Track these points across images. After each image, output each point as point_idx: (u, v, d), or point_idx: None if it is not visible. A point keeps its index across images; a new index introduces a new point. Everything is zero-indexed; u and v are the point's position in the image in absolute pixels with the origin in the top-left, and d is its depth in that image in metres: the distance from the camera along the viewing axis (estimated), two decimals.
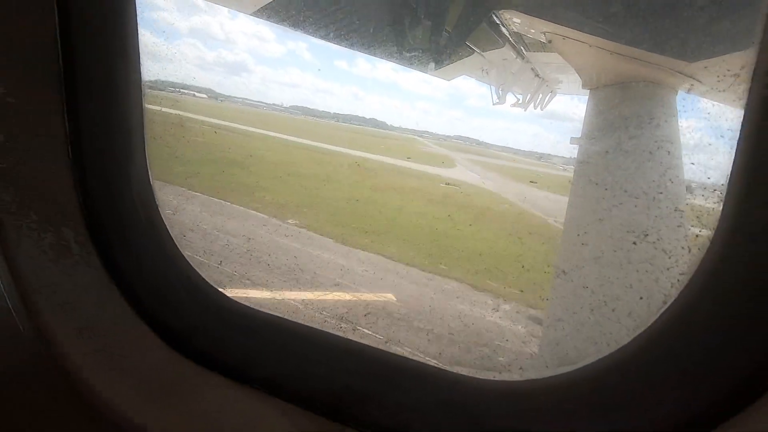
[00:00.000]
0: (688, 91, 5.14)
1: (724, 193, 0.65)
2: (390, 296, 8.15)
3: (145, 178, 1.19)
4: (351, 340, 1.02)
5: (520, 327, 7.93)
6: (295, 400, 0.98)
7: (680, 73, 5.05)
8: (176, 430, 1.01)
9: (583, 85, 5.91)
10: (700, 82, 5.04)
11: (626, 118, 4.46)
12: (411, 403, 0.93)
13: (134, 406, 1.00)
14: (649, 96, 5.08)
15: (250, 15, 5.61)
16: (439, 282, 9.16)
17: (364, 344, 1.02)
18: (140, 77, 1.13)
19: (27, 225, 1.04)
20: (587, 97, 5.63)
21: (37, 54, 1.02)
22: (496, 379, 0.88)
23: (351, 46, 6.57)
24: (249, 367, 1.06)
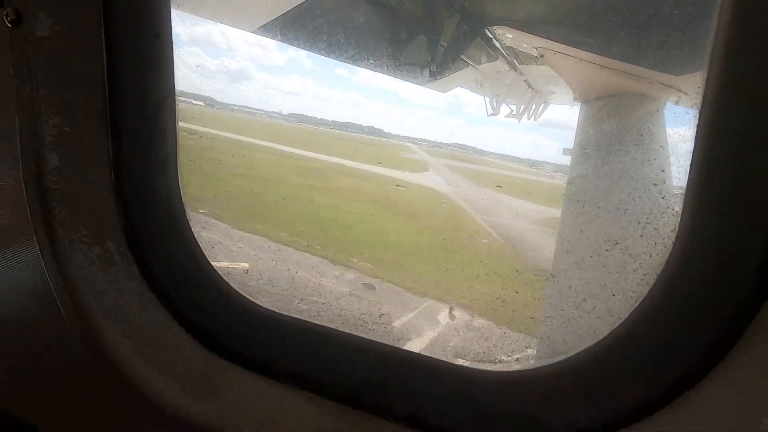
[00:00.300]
0: (677, 102, 5.32)
1: (682, 202, 0.79)
2: (244, 265, 9.36)
3: (177, 197, 1.32)
4: (366, 338, 1.15)
5: (345, 288, 9.18)
6: (319, 392, 1.11)
7: (668, 86, 5.25)
8: (210, 420, 1.12)
9: (574, 98, 6.12)
10: (686, 94, 5.24)
11: (616, 131, 4.66)
12: (421, 392, 1.06)
13: (172, 399, 1.12)
14: (639, 108, 5.27)
15: (252, 32, 5.78)
16: (304, 258, 10.34)
17: (378, 342, 1.15)
18: (175, 111, 1.27)
19: (78, 239, 1.17)
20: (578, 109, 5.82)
21: (88, 89, 1.15)
22: (495, 369, 1.01)
23: (349, 60, 6.76)
24: (275, 363, 1.18)
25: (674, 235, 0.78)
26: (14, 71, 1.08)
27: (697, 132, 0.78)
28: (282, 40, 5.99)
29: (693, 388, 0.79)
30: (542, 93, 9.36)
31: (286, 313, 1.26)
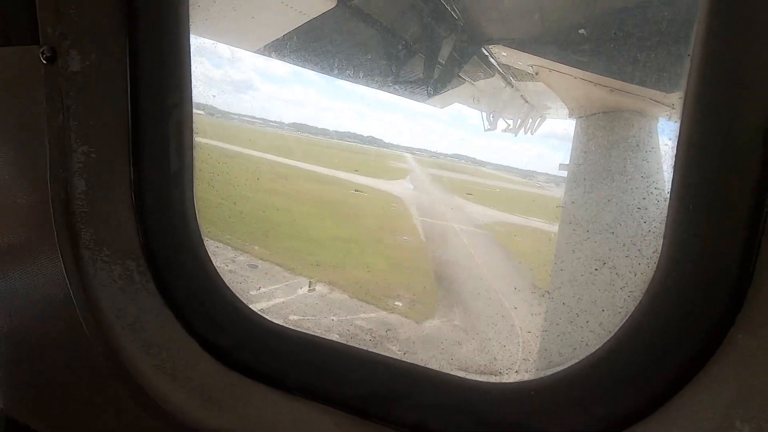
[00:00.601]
0: (669, 118, 5.44)
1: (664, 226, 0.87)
2: None
3: (192, 218, 1.40)
4: (374, 352, 1.22)
5: (229, 266, 9.75)
6: (329, 403, 1.17)
7: (659, 102, 5.39)
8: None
9: (569, 114, 6.26)
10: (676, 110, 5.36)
11: (609, 147, 4.79)
12: (426, 403, 1.12)
13: (191, 412, 1.18)
14: (631, 124, 5.40)
15: (254, 52, 5.95)
16: (211, 243, 11.32)
17: (385, 356, 1.21)
18: (192, 139, 1.36)
19: (101, 258, 1.24)
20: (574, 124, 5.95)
21: (114, 119, 1.24)
22: (495, 381, 1.08)
23: (348, 78, 6.92)
24: (287, 377, 1.24)
25: (656, 256, 0.86)
26: (47, 104, 1.16)
27: (675, 163, 0.86)
28: (283, 60, 6.15)
29: (676, 395, 0.86)
30: (538, 108, 9.53)
31: (296, 329, 1.33)
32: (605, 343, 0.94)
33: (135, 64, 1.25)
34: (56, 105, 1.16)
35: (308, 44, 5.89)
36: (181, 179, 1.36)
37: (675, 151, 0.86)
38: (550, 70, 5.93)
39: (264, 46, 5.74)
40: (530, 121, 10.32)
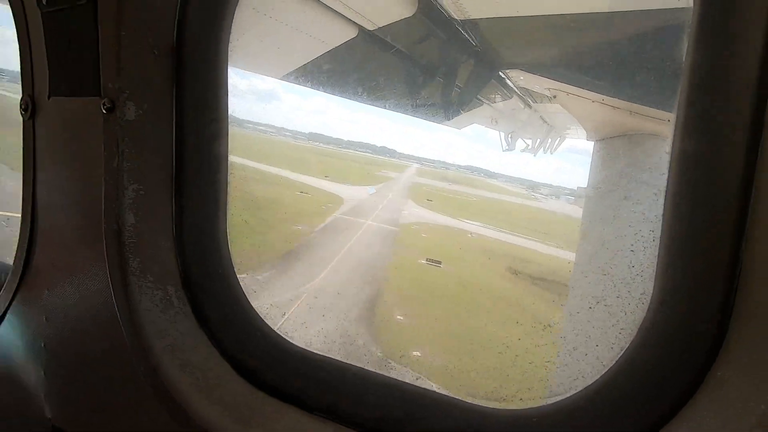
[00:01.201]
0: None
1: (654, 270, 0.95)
2: None
3: (225, 247, 1.54)
4: (390, 377, 1.31)
5: None
6: (347, 424, 1.26)
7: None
8: None
9: (587, 137, 6.29)
10: None
11: (626, 172, 4.81)
12: (438, 427, 1.20)
13: (222, 427, 1.29)
14: (650, 147, 5.38)
15: (278, 79, 6.27)
16: None
17: (401, 380, 1.30)
18: (227, 174, 1.51)
19: (145, 285, 1.38)
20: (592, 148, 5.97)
21: (160, 160, 1.40)
22: (500, 408, 1.15)
23: (367, 102, 7.15)
24: (309, 397, 1.34)
25: (645, 297, 0.94)
26: (105, 148, 1.33)
27: (664, 210, 0.95)
28: (306, 85, 6.44)
29: (666, 424, 0.92)
30: (558, 128, 9.54)
31: (319, 352, 1.43)
32: (600, 377, 1.02)
33: (180, 109, 1.41)
34: (112, 150, 1.32)
35: (330, 71, 6.15)
36: (215, 212, 1.51)
37: (664, 201, 0.95)
38: (568, 93, 5.99)
39: (288, 73, 6.03)
40: (549, 141, 10.33)
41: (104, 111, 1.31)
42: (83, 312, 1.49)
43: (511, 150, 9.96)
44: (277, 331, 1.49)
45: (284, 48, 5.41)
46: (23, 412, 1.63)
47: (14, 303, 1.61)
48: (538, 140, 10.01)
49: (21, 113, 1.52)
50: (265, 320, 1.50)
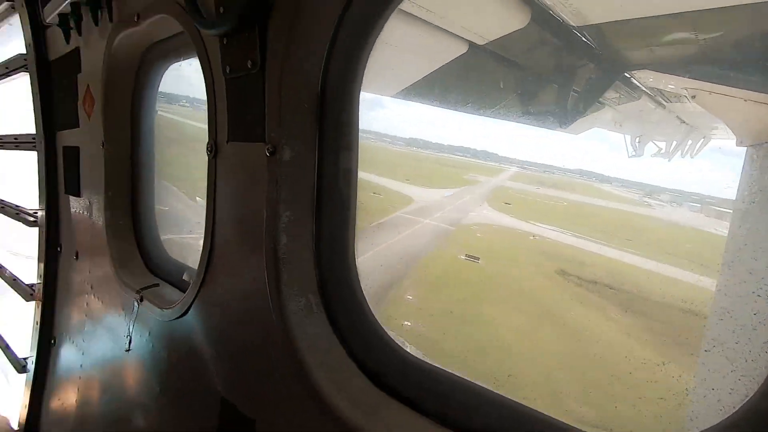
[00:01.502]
0: None
1: None
2: None
3: (353, 261, 1.80)
4: (498, 393, 1.42)
5: None
6: (455, 429, 1.40)
7: None
8: None
9: (737, 142, 5.41)
10: None
11: None
12: None
13: (351, 418, 1.54)
14: None
15: (391, 97, 6.68)
16: None
17: (503, 396, 1.40)
18: (356, 197, 1.77)
19: (293, 293, 1.71)
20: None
21: (306, 189, 1.72)
22: None
23: (476, 112, 7.17)
24: (422, 400, 1.52)
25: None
26: (268, 183, 1.69)
27: None
28: (417, 102, 6.73)
29: None
30: (701, 128, 8.34)
31: (430, 362, 1.61)
32: (718, 423, 0.99)
33: (321, 148, 1.72)
34: (273, 184, 1.67)
35: (440, 86, 6.34)
36: (346, 232, 1.79)
37: None
38: (710, 92, 5.28)
39: (399, 92, 6.38)
40: (689, 142, 9.06)
41: (268, 154, 1.67)
42: (246, 310, 1.89)
43: (638, 156, 9.01)
44: (395, 339, 1.70)
45: (394, 68, 5.76)
46: (201, 382, 2.11)
47: (198, 297, 2.10)
48: (674, 143, 8.85)
49: (207, 153, 1.99)
50: (385, 329, 1.72)
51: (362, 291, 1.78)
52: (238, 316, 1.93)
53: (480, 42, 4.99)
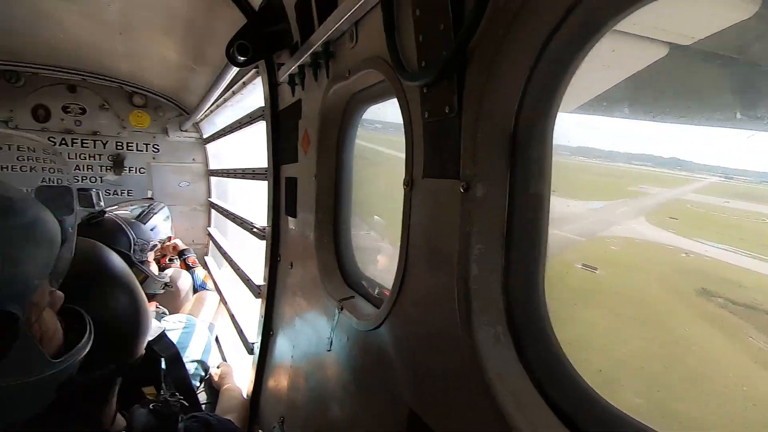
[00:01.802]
0: None
1: None
2: None
3: (541, 296, 1.79)
4: None
5: None
6: None
7: None
8: None
9: None
10: None
11: None
12: None
13: None
14: None
15: (569, 113, 6.21)
16: None
17: None
18: (547, 230, 1.75)
19: (483, 322, 1.79)
20: None
21: (496, 225, 1.80)
22: None
23: (682, 122, 6.11)
24: None
25: None
26: (461, 219, 1.82)
27: None
28: (601, 115, 6.13)
29: None
30: None
31: (631, 416, 1.47)
32: None
33: (512, 182, 1.78)
34: (465, 219, 1.80)
35: (629, 96, 5.65)
36: (536, 267, 1.78)
37: None
38: None
39: (580, 106, 5.93)
40: None
41: (462, 190, 1.80)
42: (436, 333, 2.05)
43: None
44: (586, 382, 1.61)
45: (576, 82, 5.36)
46: (392, 391, 2.35)
47: (391, 314, 2.36)
48: None
49: (404, 187, 2.25)
50: (577, 371, 1.65)
51: (551, 325, 1.74)
52: (427, 338, 2.10)
53: (685, 42, 4.28)
